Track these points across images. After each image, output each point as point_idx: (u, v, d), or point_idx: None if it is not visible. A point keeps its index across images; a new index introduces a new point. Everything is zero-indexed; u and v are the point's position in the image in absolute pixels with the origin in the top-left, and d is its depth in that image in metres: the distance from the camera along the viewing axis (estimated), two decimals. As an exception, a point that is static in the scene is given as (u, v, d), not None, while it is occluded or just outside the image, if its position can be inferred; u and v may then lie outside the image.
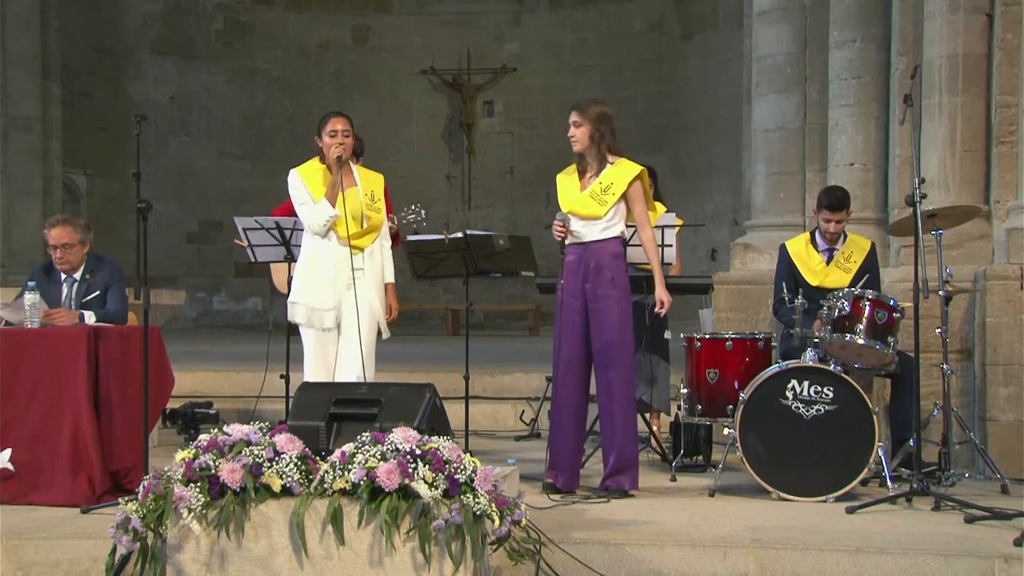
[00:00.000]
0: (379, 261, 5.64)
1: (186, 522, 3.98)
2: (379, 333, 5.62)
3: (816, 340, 5.60)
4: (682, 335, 6.10)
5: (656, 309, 5.52)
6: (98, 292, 5.95)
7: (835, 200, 6.18)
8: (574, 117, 5.44)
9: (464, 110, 18.04)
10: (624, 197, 5.41)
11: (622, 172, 5.42)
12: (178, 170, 16.91)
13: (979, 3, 6.56)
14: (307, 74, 17.77)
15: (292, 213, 5.83)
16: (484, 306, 16.08)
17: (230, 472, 3.97)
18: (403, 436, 3.99)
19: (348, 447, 4.02)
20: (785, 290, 5.88)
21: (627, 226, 6.20)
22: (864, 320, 5.55)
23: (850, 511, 5.01)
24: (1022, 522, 4.62)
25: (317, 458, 4.11)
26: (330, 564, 3.95)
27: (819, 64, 7.84)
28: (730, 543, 4.48)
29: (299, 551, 3.95)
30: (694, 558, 4.42)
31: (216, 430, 4.20)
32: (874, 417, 5.32)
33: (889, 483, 5.39)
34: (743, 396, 5.48)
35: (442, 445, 3.99)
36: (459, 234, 6.24)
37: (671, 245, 6.50)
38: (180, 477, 3.99)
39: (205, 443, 4.10)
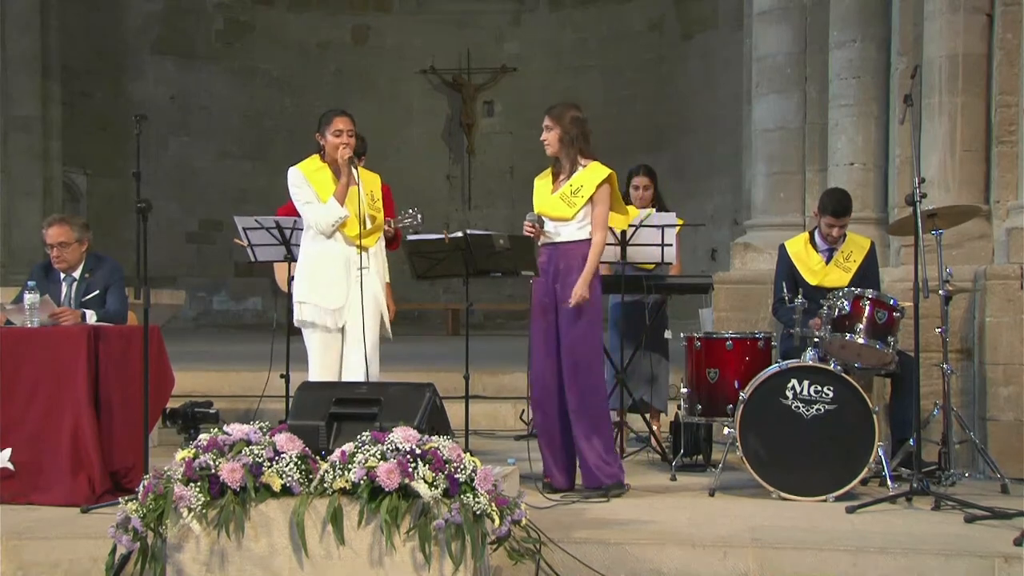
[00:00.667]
0: (382, 260, 5.66)
1: (186, 522, 3.98)
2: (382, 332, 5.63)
3: (816, 340, 5.60)
4: (682, 335, 6.10)
5: (571, 301, 5.44)
6: (97, 291, 5.95)
7: (840, 207, 6.16)
8: (546, 121, 5.58)
9: (464, 110, 18.05)
10: (591, 199, 5.47)
11: (592, 175, 5.49)
12: (178, 170, 16.91)
13: (979, 3, 6.56)
14: (307, 74, 17.77)
15: (294, 212, 5.82)
16: (484, 306, 16.06)
17: (230, 472, 3.97)
18: (403, 436, 3.99)
19: (348, 447, 4.02)
20: (785, 290, 5.88)
21: (629, 226, 6.24)
22: (864, 320, 5.55)
23: (850, 511, 5.01)
24: (1022, 522, 4.62)
25: (317, 458, 4.11)
26: (330, 564, 3.95)
27: (819, 64, 7.84)
28: (730, 543, 4.48)
29: (299, 551, 3.95)
30: (694, 558, 4.42)
31: (216, 430, 4.20)
32: (874, 417, 5.32)
33: (889, 483, 5.39)
34: (743, 396, 5.48)
35: (442, 445, 3.99)
36: (459, 234, 6.23)
37: (671, 245, 6.49)
38: (180, 477, 4.00)
39: (205, 443, 4.10)
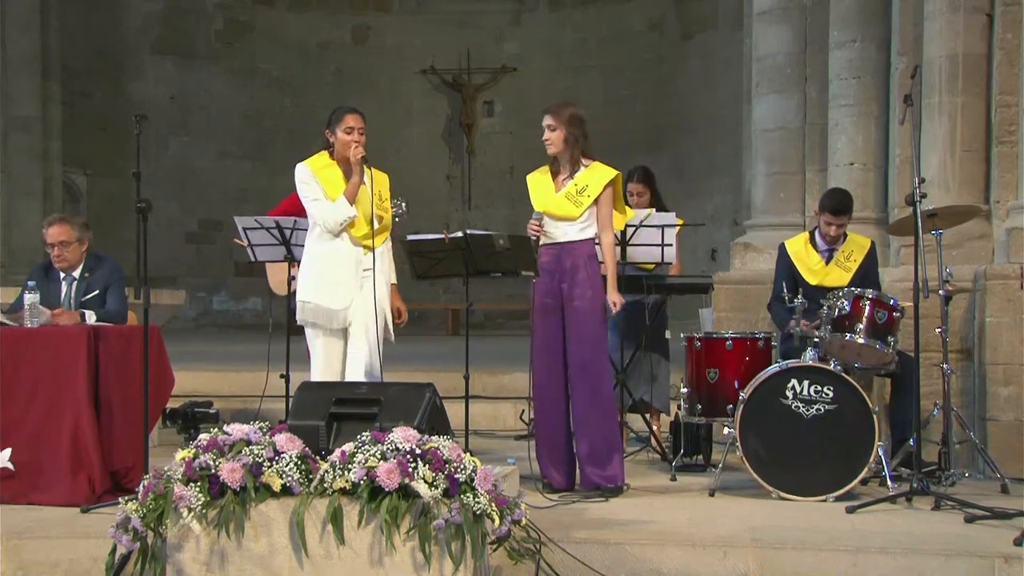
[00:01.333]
0: (388, 261, 5.63)
1: (186, 522, 3.98)
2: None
3: (816, 340, 5.60)
4: (682, 335, 6.10)
5: (614, 312, 5.51)
6: (97, 291, 5.96)
7: (839, 205, 6.16)
8: (548, 121, 5.56)
9: (464, 110, 18.06)
10: (596, 199, 5.47)
11: (597, 175, 5.49)
12: (178, 170, 16.91)
13: (979, 3, 6.56)
14: (307, 74, 17.78)
15: (292, 212, 5.79)
16: (484, 306, 16.06)
17: (230, 472, 3.97)
18: (403, 435, 3.99)
19: (348, 447, 4.02)
20: (785, 290, 5.88)
21: (627, 226, 6.23)
22: (864, 319, 5.55)
23: (850, 511, 5.00)
24: (1022, 522, 4.61)
25: (317, 458, 4.11)
26: (330, 564, 3.95)
27: (819, 64, 7.84)
28: (730, 543, 4.48)
29: (299, 551, 3.95)
30: (694, 558, 4.42)
31: (216, 430, 4.20)
32: (874, 417, 5.32)
33: (889, 483, 5.38)
34: (743, 396, 5.48)
35: (442, 444, 3.99)
36: (459, 234, 6.23)
37: (671, 245, 6.49)
38: (180, 477, 4.00)
39: (205, 443, 4.10)
